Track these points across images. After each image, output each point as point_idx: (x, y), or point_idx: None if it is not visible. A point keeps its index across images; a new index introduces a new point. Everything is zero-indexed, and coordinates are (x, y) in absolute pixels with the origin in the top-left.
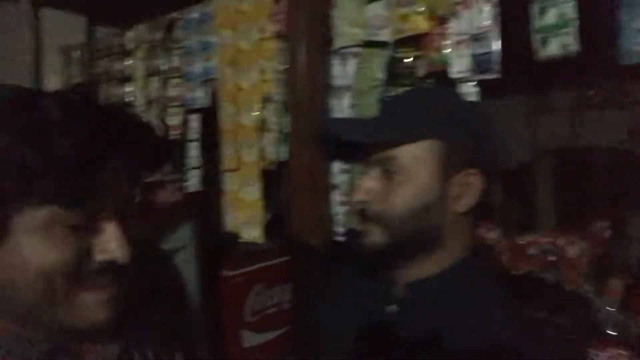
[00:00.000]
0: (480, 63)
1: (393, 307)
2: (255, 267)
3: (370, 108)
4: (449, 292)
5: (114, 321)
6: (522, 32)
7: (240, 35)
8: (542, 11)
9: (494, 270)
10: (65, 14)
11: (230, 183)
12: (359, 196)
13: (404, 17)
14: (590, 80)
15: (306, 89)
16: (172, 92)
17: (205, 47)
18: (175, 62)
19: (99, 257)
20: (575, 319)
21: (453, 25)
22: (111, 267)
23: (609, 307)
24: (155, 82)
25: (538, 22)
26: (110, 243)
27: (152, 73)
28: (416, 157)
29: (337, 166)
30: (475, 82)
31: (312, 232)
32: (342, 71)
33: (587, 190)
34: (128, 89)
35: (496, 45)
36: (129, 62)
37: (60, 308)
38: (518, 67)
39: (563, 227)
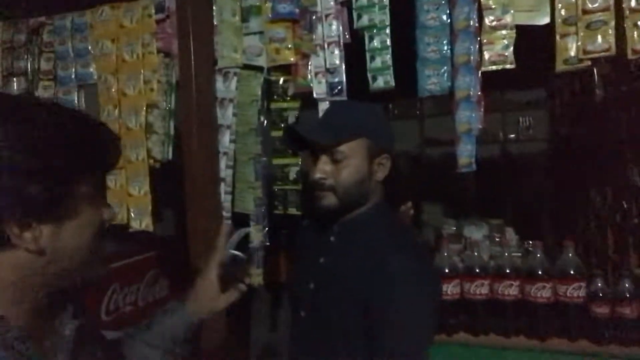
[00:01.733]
0: (333, 88)
1: (332, 238)
2: (112, 266)
3: (251, 118)
4: (365, 223)
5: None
6: (362, 69)
7: (123, 47)
8: (372, 58)
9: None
10: None
11: (114, 181)
12: (318, 174)
13: (277, 50)
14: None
15: (197, 99)
16: (42, 93)
17: (80, 54)
18: (44, 65)
19: None
20: None
21: (313, 60)
22: None
23: None
24: (15, 83)
25: (370, 65)
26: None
27: (12, 73)
28: (353, 149)
29: (223, 163)
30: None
31: (208, 217)
32: (226, 86)
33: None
34: None
35: (344, 77)
36: None
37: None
38: (359, 93)
39: None
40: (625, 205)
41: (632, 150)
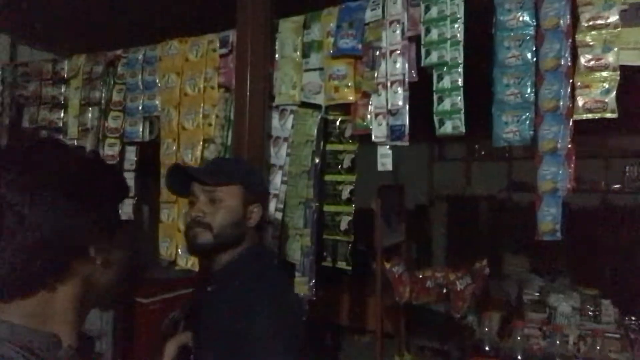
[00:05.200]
0: (394, 132)
1: (211, 287)
2: (169, 295)
3: (305, 159)
4: (237, 269)
5: None
6: (425, 112)
7: (186, 81)
8: (440, 99)
9: (268, 256)
10: None
11: (167, 214)
12: (195, 212)
13: (336, 88)
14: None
15: (249, 136)
16: (111, 123)
17: (149, 87)
18: (116, 96)
19: None
20: (460, 343)
21: (374, 100)
22: None
23: (488, 334)
24: (90, 112)
25: (437, 107)
26: None
27: (88, 103)
28: (229, 192)
29: (273, 205)
30: (390, 147)
31: None
32: (281, 124)
33: (473, 232)
34: (60, 115)
35: (406, 120)
36: (62, 89)
37: None
38: (422, 138)
39: (454, 263)
40: None
41: None
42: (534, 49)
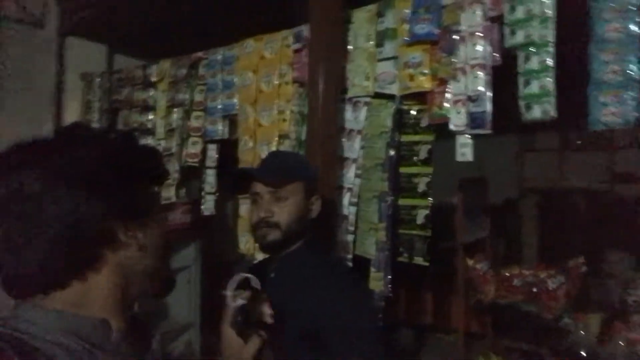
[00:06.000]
0: (474, 120)
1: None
2: None
3: (379, 151)
4: (301, 257)
5: None
6: (510, 97)
7: (262, 78)
8: (527, 82)
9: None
10: (88, 43)
11: (246, 209)
12: (263, 213)
13: (411, 77)
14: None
15: (322, 130)
16: (193, 123)
17: (227, 86)
18: (198, 96)
19: None
20: (553, 347)
21: (453, 87)
22: None
23: (586, 338)
24: (176, 113)
25: (524, 91)
26: None
27: (173, 104)
28: (293, 189)
29: (346, 199)
30: (470, 136)
31: None
32: (354, 117)
33: (568, 228)
34: (149, 117)
35: (488, 106)
36: (151, 93)
37: None
38: (506, 124)
39: (545, 262)
40: None
41: None
42: (639, 19)
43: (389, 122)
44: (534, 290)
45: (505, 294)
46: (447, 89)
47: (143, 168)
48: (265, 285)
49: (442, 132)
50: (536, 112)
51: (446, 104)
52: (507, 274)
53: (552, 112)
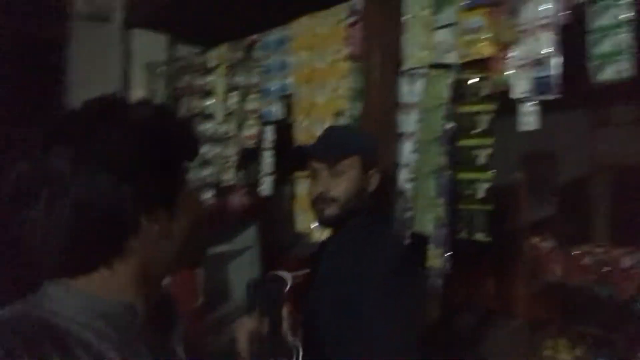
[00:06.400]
0: (540, 85)
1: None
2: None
3: (436, 125)
4: (354, 232)
5: None
6: (579, 58)
7: (316, 56)
8: (598, 40)
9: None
10: (150, 33)
11: (302, 188)
12: (320, 188)
13: (470, 43)
14: None
15: (379, 105)
16: (249, 105)
17: (283, 66)
18: (254, 79)
19: None
20: (628, 332)
21: (517, 51)
22: None
23: None
24: (234, 97)
25: (595, 50)
26: None
27: (231, 88)
28: (349, 164)
29: (403, 176)
30: (535, 102)
31: None
32: (410, 90)
33: None
34: (208, 102)
35: (555, 69)
36: (210, 78)
37: None
38: (575, 89)
39: (618, 239)
40: None
41: None
42: None
43: (445, 94)
44: (606, 269)
45: (574, 274)
46: (509, 55)
47: (175, 149)
48: (322, 257)
49: (506, 103)
50: (608, 73)
51: (509, 71)
52: (576, 252)
53: (628, 72)
